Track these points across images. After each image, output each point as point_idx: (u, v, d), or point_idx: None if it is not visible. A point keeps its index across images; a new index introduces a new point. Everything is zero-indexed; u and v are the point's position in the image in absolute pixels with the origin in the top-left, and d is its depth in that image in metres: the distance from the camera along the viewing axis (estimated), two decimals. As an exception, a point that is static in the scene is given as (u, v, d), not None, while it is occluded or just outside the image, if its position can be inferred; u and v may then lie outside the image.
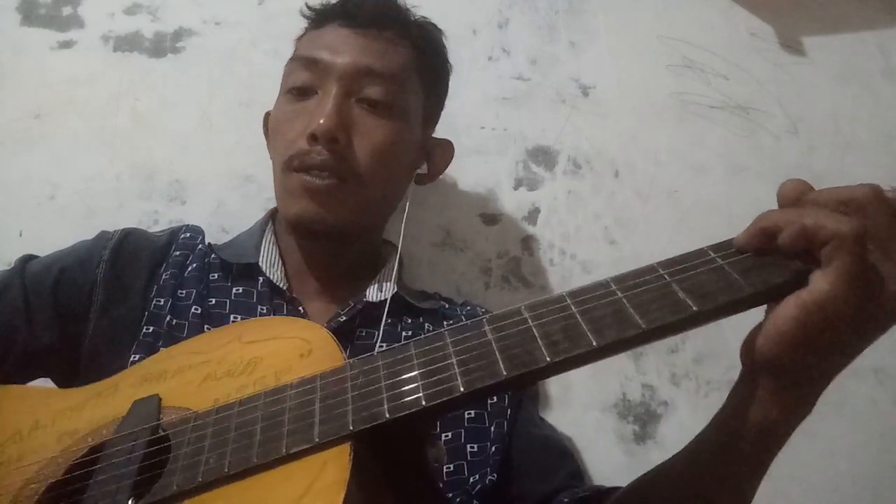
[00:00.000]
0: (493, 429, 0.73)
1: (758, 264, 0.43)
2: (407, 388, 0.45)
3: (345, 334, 0.73)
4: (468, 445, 0.71)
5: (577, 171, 1.05)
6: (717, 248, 0.46)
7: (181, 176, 1.01)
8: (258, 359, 0.54)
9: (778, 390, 0.45)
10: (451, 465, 0.70)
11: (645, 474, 0.59)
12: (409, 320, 0.79)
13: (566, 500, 0.69)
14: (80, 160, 1.00)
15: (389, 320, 0.75)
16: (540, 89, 1.09)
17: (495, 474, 0.70)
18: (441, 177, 1.01)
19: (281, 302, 0.74)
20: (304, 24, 0.84)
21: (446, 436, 0.71)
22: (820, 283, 0.41)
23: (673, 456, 0.55)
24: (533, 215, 1.03)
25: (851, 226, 0.40)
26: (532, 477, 0.72)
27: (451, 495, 0.68)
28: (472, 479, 0.70)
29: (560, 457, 0.76)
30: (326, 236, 0.76)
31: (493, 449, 0.72)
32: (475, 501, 0.69)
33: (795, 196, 0.45)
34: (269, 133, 0.82)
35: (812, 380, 0.45)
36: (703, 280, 0.44)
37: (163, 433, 0.50)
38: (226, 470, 0.44)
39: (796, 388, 0.45)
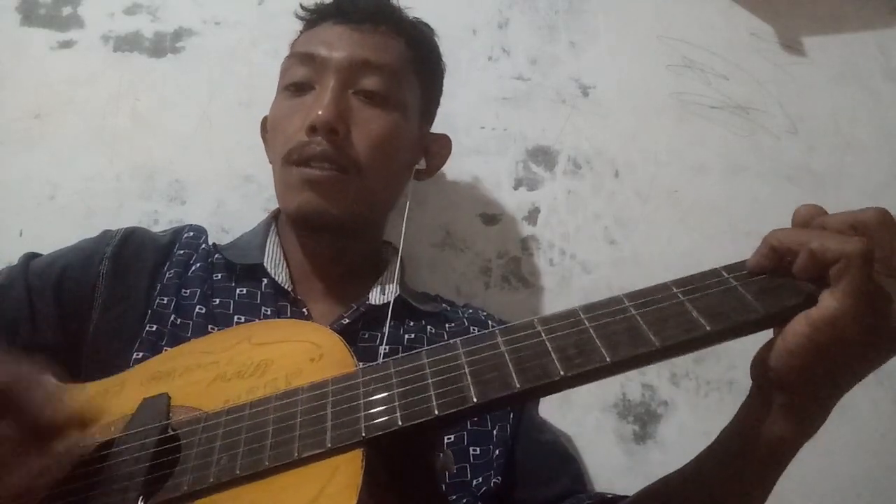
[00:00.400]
0: (495, 432, 0.73)
1: (771, 286, 0.44)
2: (420, 396, 0.45)
3: (348, 336, 0.72)
4: (471, 448, 0.71)
5: (577, 171, 1.06)
6: (731, 268, 0.47)
7: (181, 176, 1.01)
8: (268, 361, 0.54)
9: (787, 407, 0.45)
10: (455, 468, 0.70)
11: (651, 485, 0.59)
12: (412, 323, 0.79)
13: None
14: (80, 160, 1.00)
15: (392, 322, 0.75)
16: (540, 89, 1.09)
17: (499, 477, 0.70)
18: (441, 177, 1.02)
19: (285, 303, 0.74)
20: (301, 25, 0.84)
21: (449, 439, 0.71)
22: (828, 300, 0.41)
23: (680, 468, 0.55)
24: (533, 215, 1.03)
25: (856, 245, 0.41)
26: (535, 481, 0.72)
27: (454, 498, 0.68)
28: (475, 482, 0.69)
29: (563, 461, 0.76)
30: (328, 230, 0.75)
31: (497, 452, 0.72)
32: None
33: (807, 221, 0.46)
34: (269, 131, 0.82)
35: (821, 397, 0.45)
36: (716, 300, 0.44)
37: (172, 432, 0.50)
38: (237, 472, 0.44)
39: (805, 406, 0.45)
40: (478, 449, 0.71)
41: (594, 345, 0.44)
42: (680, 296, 0.45)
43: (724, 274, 0.46)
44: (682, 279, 0.46)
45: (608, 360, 0.43)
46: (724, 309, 0.44)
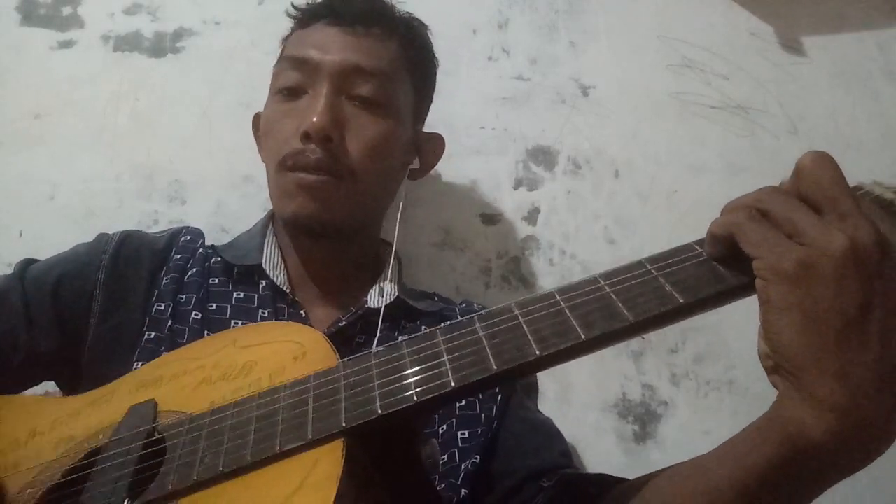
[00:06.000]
0: (483, 415, 0.73)
1: (743, 257, 0.43)
2: (399, 384, 0.46)
3: (344, 339, 0.73)
4: (459, 432, 0.72)
5: (577, 171, 1.06)
6: (704, 242, 0.46)
7: (181, 176, 1.01)
8: (253, 362, 0.54)
9: (795, 390, 0.40)
10: (445, 455, 0.70)
11: (645, 488, 0.53)
12: (407, 324, 0.79)
13: (569, 472, 0.67)
14: (80, 160, 1.00)
15: (387, 323, 0.75)
16: (540, 89, 1.09)
17: (477, 456, 0.70)
18: (441, 177, 1.02)
19: (283, 305, 0.74)
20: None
21: (441, 428, 0.71)
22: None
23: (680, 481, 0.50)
24: (533, 215, 1.03)
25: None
26: (523, 452, 0.71)
27: (443, 485, 0.68)
28: (463, 466, 0.70)
29: (551, 436, 0.76)
30: (324, 235, 0.75)
31: (479, 432, 0.72)
32: (463, 490, 0.68)
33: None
34: (261, 134, 0.82)
35: (827, 366, 0.38)
36: (689, 274, 0.44)
37: (159, 436, 0.51)
38: (220, 469, 0.45)
39: (815, 381, 0.39)
40: (466, 432, 0.72)
41: (569, 324, 0.44)
42: (653, 271, 0.45)
43: (697, 248, 0.45)
44: (657, 255, 0.46)
45: (583, 337, 0.43)
46: (697, 281, 0.43)
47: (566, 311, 0.45)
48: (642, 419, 0.95)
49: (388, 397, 0.45)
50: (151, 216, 0.99)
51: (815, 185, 0.41)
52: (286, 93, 0.76)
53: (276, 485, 0.43)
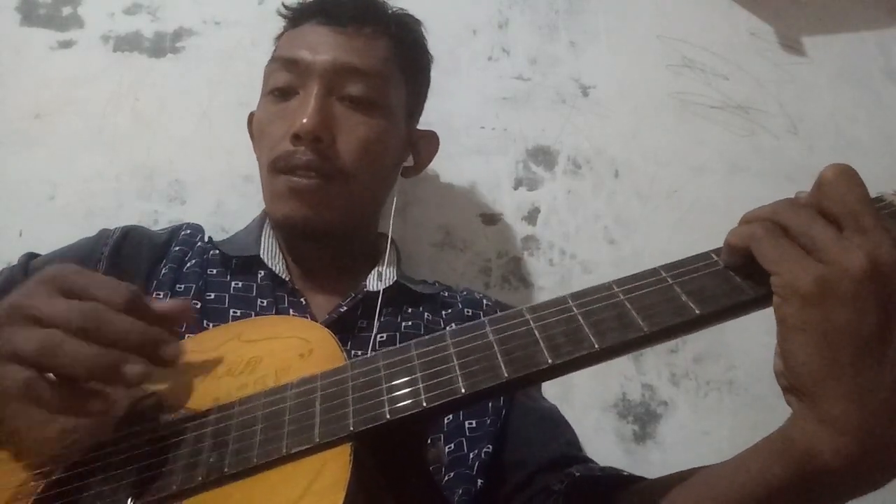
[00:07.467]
0: (490, 405, 0.73)
1: (760, 268, 0.43)
2: (408, 389, 0.45)
3: (346, 325, 0.73)
4: (467, 422, 0.71)
5: (577, 171, 1.06)
6: (720, 251, 0.45)
7: (181, 176, 1.01)
8: (258, 358, 0.54)
9: (810, 411, 0.39)
10: (452, 444, 0.70)
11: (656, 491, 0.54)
12: (410, 309, 0.78)
13: (577, 474, 0.66)
14: (80, 160, 1.00)
15: (389, 309, 0.75)
16: (540, 89, 1.09)
17: (490, 446, 0.70)
18: (441, 177, 1.02)
19: (282, 293, 0.74)
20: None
21: (448, 418, 0.71)
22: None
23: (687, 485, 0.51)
24: (533, 215, 1.03)
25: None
26: (531, 443, 0.71)
27: (452, 475, 0.68)
28: (471, 455, 0.69)
29: (558, 425, 0.75)
30: (316, 237, 0.76)
31: (488, 421, 0.72)
32: (479, 480, 0.68)
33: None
34: (255, 135, 0.82)
35: (842, 386, 0.38)
36: (706, 283, 0.43)
37: (162, 433, 0.50)
38: (226, 470, 0.44)
39: (827, 403, 0.39)
40: (474, 422, 0.71)
41: (583, 332, 0.43)
42: (669, 280, 0.44)
43: (713, 256, 0.45)
44: (672, 263, 0.45)
45: (597, 346, 0.42)
46: (713, 292, 0.43)
47: (579, 317, 0.44)
48: (642, 419, 0.95)
49: (396, 402, 0.44)
50: (151, 216, 0.99)
51: (838, 199, 0.40)
52: (277, 93, 0.76)
53: (282, 488, 0.42)
